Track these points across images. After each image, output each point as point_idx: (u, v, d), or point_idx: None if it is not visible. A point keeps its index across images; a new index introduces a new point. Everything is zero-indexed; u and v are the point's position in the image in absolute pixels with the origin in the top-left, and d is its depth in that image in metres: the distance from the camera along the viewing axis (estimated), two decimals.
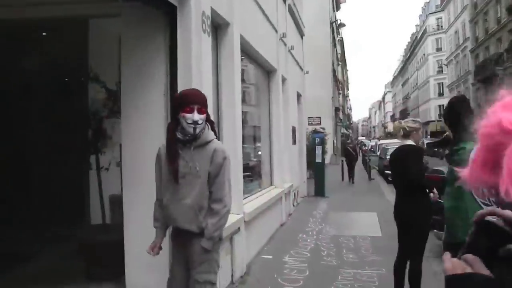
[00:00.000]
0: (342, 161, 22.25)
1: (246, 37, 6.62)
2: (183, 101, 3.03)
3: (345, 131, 57.61)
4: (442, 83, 62.52)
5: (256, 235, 6.96)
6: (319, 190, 14.38)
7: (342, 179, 20.11)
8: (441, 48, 63.35)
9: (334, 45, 40.86)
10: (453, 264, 1.00)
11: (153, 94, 4.36)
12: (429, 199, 4.55)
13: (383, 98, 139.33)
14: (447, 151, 3.61)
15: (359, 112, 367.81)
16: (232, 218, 5.51)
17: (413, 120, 4.94)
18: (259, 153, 9.33)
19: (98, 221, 5.52)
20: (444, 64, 59.41)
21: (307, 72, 14.77)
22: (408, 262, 4.72)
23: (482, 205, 3.11)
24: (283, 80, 10.20)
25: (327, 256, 6.95)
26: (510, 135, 0.89)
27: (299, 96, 13.48)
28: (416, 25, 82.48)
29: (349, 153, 21.82)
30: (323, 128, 20.72)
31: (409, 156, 4.58)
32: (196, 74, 4.38)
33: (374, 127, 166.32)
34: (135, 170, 4.36)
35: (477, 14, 43.99)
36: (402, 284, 4.74)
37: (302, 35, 13.75)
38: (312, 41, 22.02)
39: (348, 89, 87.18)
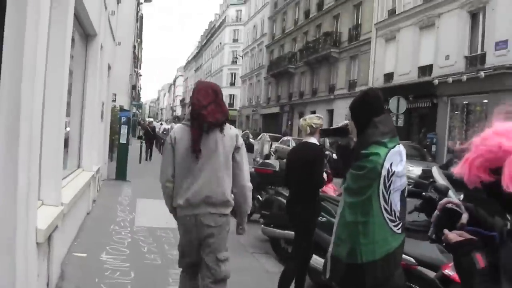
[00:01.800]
0: (141, 142, 21.35)
1: None
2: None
3: (136, 111, 56.23)
4: (235, 73, 65.69)
5: (67, 227, 5.83)
6: (121, 174, 13.34)
7: (140, 161, 19.21)
8: (237, 39, 66.39)
9: (137, 20, 39.21)
10: (453, 236, 1.62)
11: None
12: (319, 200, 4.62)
13: (174, 81, 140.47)
14: (340, 142, 3.30)
15: (147, 92, 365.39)
16: (50, 212, 4.41)
17: (317, 117, 4.67)
18: (67, 129, 7.99)
19: None
20: (240, 56, 62.42)
21: (119, 44, 13.53)
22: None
23: (388, 221, 2.85)
24: (100, 48, 8.97)
25: (149, 253, 6.23)
26: (508, 153, 1.45)
27: (109, 68, 12.23)
28: (216, 14, 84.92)
29: (148, 132, 22.02)
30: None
31: (315, 159, 4.34)
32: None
33: (162, 109, 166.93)
34: None
35: (277, 12, 47.22)
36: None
37: (119, 1, 12.47)
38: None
39: (140, 68, 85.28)
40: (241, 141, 3.51)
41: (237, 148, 3.45)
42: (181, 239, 3.64)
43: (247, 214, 3.66)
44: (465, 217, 1.74)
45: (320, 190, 4.75)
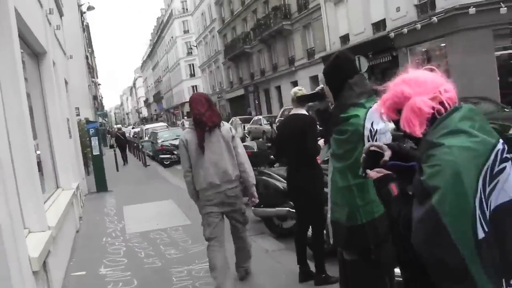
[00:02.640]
0: (114, 150, 21.08)
1: (18, 8, 5.23)
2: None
3: (103, 120, 55.43)
4: (193, 64, 65.04)
5: (60, 250, 5.73)
6: (101, 185, 13.14)
7: (117, 169, 18.98)
8: (188, 30, 65.59)
9: (84, 30, 38.29)
10: (373, 174, 1.91)
11: None
12: (320, 168, 4.63)
13: (134, 83, 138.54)
14: (319, 107, 3.30)
15: (109, 100, 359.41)
16: (39, 239, 4.33)
17: (299, 88, 4.79)
18: (38, 152, 7.80)
19: None
20: (194, 46, 61.73)
21: (71, 57, 13.21)
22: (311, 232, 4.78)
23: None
24: (53, 65, 8.73)
25: (147, 257, 6.18)
26: (407, 99, 1.78)
27: (66, 83, 11.94)
28: (162, 9, 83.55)
29: (119, 138, 22.23)
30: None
31: (306, 128, 4.42)
32: None
33: (128, 113, 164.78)
34: None
35: None
36: (304, 252, 4.74)
37: (61, 14, 12.11)
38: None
39: (97, 77, 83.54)
40: (234, 131, 4.63)
41: (233, 137, 4.55)
42: (207, 215, 4.49)
43: (254, 185, 4.65)
44: (387, 155, 1.93)
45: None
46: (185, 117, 53.86)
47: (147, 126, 34.58)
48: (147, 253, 6.37)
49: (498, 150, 1.68)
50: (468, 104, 1.81)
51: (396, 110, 1.84)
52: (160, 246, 6.65)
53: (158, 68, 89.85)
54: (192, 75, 65.64)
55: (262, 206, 6.37)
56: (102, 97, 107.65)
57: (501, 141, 1.71)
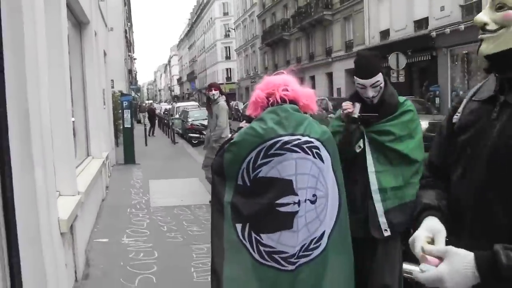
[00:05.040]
0: (145, 125, 21.41)
1: None
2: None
3: (135, 95, 56.14)
4: (229, 46, 65.06)
5: (86, 215, 5.90)
6: (129, 157, 13.39)
7: (146, 143, 19.26)
8: (228, 12, 65.51)
9: (125, 4, 38.73)
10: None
11: None
12: None
13: (169, 61, 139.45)
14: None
15: (143, 75, 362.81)
16: (69, 202, 4.47)
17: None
18: (73, 119, 8.00)
19: None
20: (232, 28, 61.72)
21: (112, 29, 13.40)
22: None
23: None
24: (95, 35, 8.90)
25: (170, 232, 6.31)
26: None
27: (104, 55, 12.14)
28: None
29: (151, 111, 22.96)
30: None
31: None
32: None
33: (160, 90, 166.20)
34: None
35: None
36: None
37: None
38: None
39: (134, 52, 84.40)
40: None
41: None
42: None
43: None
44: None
45: None
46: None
47: (179, 104, 34.86)
48: (170, 228, 6.50)
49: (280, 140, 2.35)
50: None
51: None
52: (183, 222, 6.78)
53: (194, 48, 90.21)
54: (228, 57, 65.70)
55: None
56: (136, 72, 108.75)
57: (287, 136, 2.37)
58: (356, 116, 2.82)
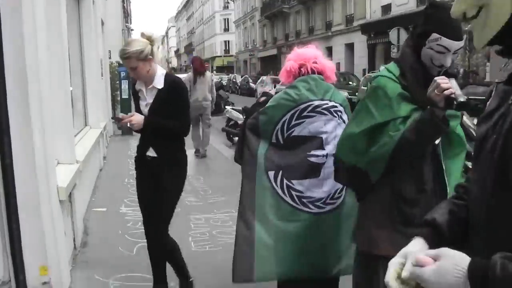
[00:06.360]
0: None
1: None
2: None
3: None
4: (228, 18, 64.30)
5: (84, 184, 5.91)
6: (126, 128, 13.34)
7: None
8: None
9: None
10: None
11: None
12: None
13: (167, 33, 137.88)
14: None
15: None
16: (68, 170, 4.46)
17: None
18: (71, 89, 7.94)
19: None
20: (231, 0, 60.90)
21: None
22: None
23: None
24: (93, 3, 8.77)
25: None
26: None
27: (102, 24, 11.98)
28: None
29: None
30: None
31: None
32: None
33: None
34: None
35: None
36: None
37: None
38: None
39: (131, 23, 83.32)
40: None
41: None
42: None
43: None
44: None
45: None
46: (214, 72, 53.42)
47: (176, 75, 34.65)
48: None
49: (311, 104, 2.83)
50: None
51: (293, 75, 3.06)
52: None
53: (193, 20, 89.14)
54: (226, 29, 65.01)
55: None
56: None
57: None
58: (463, 100, 1.99)
